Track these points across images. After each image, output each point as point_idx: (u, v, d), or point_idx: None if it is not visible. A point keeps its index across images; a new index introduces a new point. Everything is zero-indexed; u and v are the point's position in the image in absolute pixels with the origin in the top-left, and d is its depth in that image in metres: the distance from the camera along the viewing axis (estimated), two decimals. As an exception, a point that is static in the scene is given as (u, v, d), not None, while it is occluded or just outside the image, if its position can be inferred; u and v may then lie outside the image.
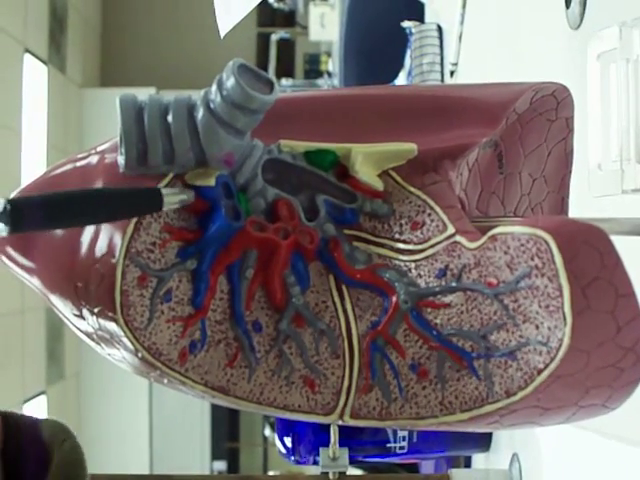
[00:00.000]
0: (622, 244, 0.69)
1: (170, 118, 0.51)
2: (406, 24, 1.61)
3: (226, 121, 0.50)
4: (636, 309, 0.46)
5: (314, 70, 5.58)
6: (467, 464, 1.26)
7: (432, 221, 0.53)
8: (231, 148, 0.51)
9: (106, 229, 0.52)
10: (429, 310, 0.51)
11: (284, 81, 5.10)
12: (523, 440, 0.98)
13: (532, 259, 0.47)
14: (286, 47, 5.63)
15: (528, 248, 0.47)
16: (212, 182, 0.52)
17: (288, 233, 0.53)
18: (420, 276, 0.52)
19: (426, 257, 0.52)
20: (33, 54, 5.07)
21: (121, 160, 0.51)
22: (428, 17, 1.79)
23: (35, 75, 5.11)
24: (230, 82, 0.49)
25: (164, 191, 0.50)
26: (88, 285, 0.52)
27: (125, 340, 0.51)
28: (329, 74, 5.18)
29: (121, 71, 6.47)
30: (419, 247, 0.53)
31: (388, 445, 1.08)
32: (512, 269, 0.48)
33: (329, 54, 5.35)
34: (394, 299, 0.52)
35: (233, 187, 0.52)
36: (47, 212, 0.47)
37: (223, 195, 0.52)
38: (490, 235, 0.49)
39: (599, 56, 0.64)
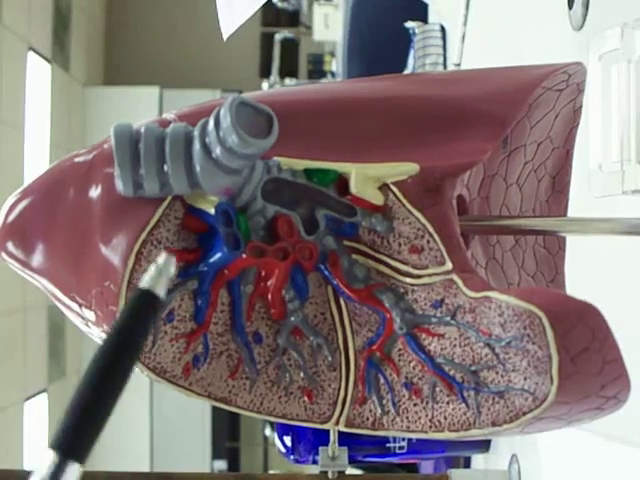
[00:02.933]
0: (622, 244, 0.69)
1: (167, 152, 0.50)
2: (409, 24, 1.61)
3: (222, 162, 0.49)
4: (622, 369, 0.48)
5: (317, 70, 5.58)
6: (466, 464, 1.26)
7: (431, 249, 0.52)
8: (228, 184, 0.51)
9: (106, 259, 0.51)
10: (424, 336, 0.52)
11: (287, 81, 5.10)
12: (522, 441, 0.98)
13: (525, 329, 0.47)
14: (290, 47, 5.64)
15: (522, 319, 0.47)
16: (212, 210, 0.52)
17: (288, 253, 0.52)
18: (416, 301, 0.52)
19: (423, 284, 0.52)
20: (37, 52, 5.08)
21: (119, 185, 0.51)
22: (431, 18, 1.79)
23: (39, 73, 5.11)
24: (226, 123, 0.48)
25: (150, 285, 0.40)
26: (91, 307, 0.52)
27: None
28: (332, 74, 5.18)
29: (125, 70, 6.47)
30: (417, 272, 0.52)
31: (387, 445, 1.08)
32: (505, 330, 0.48)
33: (333, 54, 5.35)
34: (390, 322, 0.52)
35: (232, 213, 0.52)
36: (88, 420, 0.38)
37: (222, 223, 0.52)
38: (485, 295, 0.50)
39: (601, 57, 0.64)
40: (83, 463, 0.36)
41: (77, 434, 0.36)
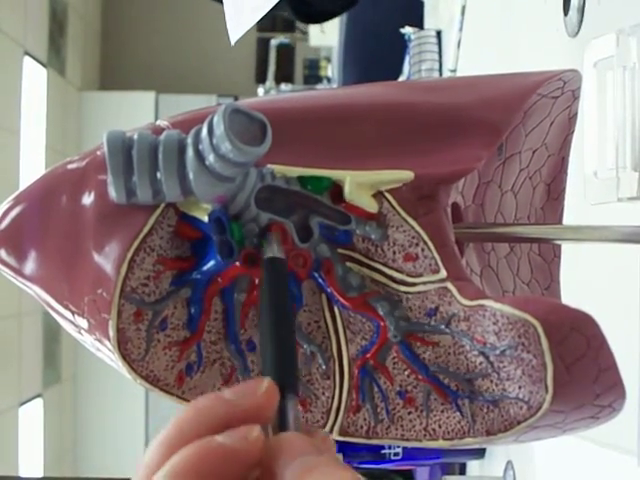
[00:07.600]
0: (617, 252, 0.69)
1: (160, 159, 0.50)
2: (405, 30, 1.62)
3: (215, 170, 0.49)
4: (617, 377, 0.48)
5: (313, 75, 5.58)
6: (462, 471, 1.27)
7: (425, 257, 0.52)
8: (221, 192, 0.50)
9: (99, 266, 0.51)
10: (418, 345, 0.52)
11: (283, 86, 5.10)
12: (518, 447, 0.98)
13: (519, 337, 0.47)
14: (286, 52, 5.63)
15: (516, 328, 0.47)
16: (205, 218, 0.51)
17: None
18: (411, 309, 0.52)
19: (417, 292, 0.52)
20: (32, 57, 5.08)
21: (112, 192, 0.51)
22: (427, 23, 1.79)
23: (34, 78, 5.11)
24: (219, 131, 0.48)
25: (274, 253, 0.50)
26: (84, 315, 0.52)
27: (123, 369, 0.51)
28: (328, 79, 5.18)
29: (121, 75, 6.47)
30: (411, 280, 0.52)
31: (383, 452, 1.08)
32: (499, 338, 0.48)
33: (329, 59, 5.35)
34: (384, 330, 0.52)
35: (226, 220, 0.51)
36: None
37: (216, 231, 0.51)
38: (479, 304, 0.49)
39: (596, 63, 0.64)
40: (297, 393, 0.42)
41: (284, 373, 0.43)
